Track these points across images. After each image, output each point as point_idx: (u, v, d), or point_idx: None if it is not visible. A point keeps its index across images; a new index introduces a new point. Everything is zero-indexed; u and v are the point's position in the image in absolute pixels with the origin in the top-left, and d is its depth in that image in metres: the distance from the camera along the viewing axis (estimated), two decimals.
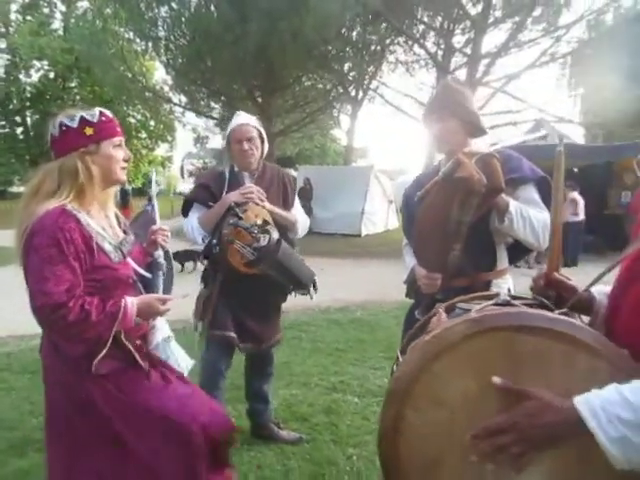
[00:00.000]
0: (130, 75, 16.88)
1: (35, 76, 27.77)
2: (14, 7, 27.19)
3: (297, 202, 2.81)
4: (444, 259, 1.83)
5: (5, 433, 2.95)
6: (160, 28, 15.17)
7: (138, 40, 16.39)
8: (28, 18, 26.70)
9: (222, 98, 17.82)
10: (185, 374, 1.66)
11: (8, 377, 3.86)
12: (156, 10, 14.65)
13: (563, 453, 0.91)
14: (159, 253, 1.84)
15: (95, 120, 1.58)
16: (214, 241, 2.43)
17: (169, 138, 30.45)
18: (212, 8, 14.55)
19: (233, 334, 2.52)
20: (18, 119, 28.48)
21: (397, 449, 1.01)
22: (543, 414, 0.87)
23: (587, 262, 8.15)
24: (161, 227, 1.88)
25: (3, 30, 27.13)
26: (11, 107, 27.83)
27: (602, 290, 1.16)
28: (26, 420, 3.09)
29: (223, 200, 2.47)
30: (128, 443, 1.53)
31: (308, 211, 11.23)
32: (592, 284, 1.13)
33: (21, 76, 27.66)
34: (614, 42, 11.31)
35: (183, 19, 14.63)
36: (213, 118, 19.77)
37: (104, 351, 1.49)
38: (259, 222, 2.39)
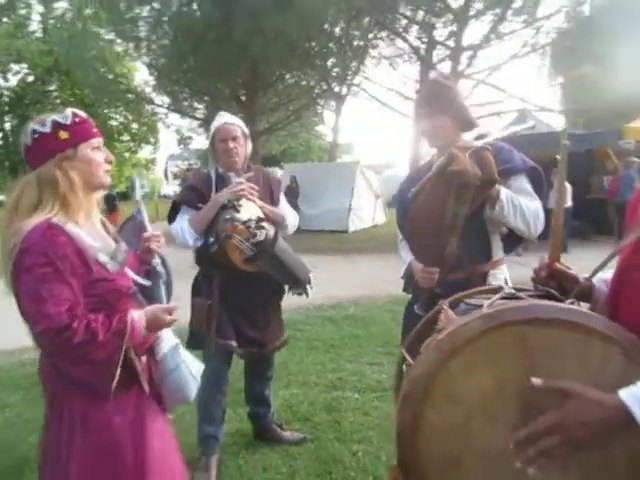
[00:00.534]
0: (111, 77, 16.66)
1: (13, 80, 27.12)
2: None
3: (284, 200, 2.79)
4: (441, 253, 1.85)
5: (1, 453, 2.86)
6: (141, 28, 14.88)
7: (119, 41, 16.12)
8: (4, 20, 26.11)
9: (205, 98, 17.69)
10: (197, 380, 1.61)
11: (0, 394, 3.74)
12: (137, 10, 14.39)
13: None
14: (157, 261, 1.75)
15: (68, 122, 1.46)
16: (211, 239, 2.36)
17: (152, 140, 30.06)
18: (194, 7, 14.35)
19: (234, 342, 2.49)
20: None
21: (416, 451, 1.01)
22: (589, 411, 0.85)
23: (574, 247, 8.29)
24: (153, 233, 1.78)
25: None
26: None
27: (601, 277, 1.17)
28: (22, 438, 2.98)
29: (214, 199, 2.42)
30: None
31: (295, 208, 11.14)
32: (593, 274, 1.14)
33: None
34: (591, 32, 11.47)
35: (165, 18, 14.37)
36: (197, 118, 19.56)
37: (118, 371, 1.39)
38: (254, 218, 2.35)
